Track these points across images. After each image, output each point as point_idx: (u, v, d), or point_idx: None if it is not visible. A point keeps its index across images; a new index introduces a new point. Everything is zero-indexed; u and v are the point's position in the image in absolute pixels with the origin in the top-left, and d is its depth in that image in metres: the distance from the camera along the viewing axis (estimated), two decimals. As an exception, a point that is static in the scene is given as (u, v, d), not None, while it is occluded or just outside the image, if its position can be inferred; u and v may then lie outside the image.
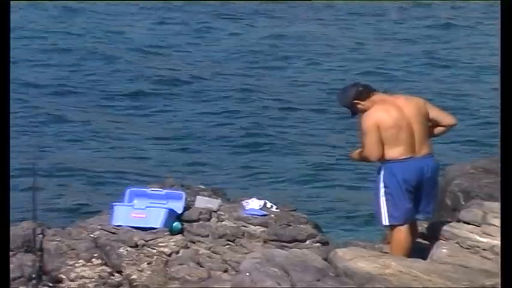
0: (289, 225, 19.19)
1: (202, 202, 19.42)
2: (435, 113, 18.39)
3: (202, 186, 20.95)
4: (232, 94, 48.40)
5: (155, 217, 18.88)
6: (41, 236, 18.64)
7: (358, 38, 63.98)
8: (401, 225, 17.81)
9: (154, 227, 18.75)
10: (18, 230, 19.15)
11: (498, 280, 16.74)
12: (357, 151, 18.31)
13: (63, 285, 18.17)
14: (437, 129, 18.55)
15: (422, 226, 18.79)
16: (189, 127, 39.52)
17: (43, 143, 39.32)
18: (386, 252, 17.99)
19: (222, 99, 47.05)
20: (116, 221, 19.00)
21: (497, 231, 17.92)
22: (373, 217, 19.32)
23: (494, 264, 17.41)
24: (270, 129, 39.01)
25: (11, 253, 18.63)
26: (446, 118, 18.53)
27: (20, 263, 18.41)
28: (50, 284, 18.07)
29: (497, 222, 18.18)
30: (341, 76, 50.45)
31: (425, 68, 54.98)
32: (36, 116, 44.05)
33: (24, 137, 39.99)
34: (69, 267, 18.35)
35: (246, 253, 18.19)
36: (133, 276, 17.95)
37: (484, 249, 17.68)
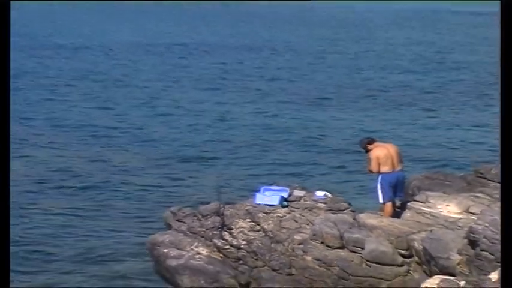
0: (336, 203, 20.01)
1: (296, 192, 20.33)
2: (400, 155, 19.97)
3: (296, 185, 21.32)
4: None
5: (275, 199, 19.86)
6: (223, 208, 19.75)
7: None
8: (388, 202, 19.65)
9: (275, 204, 19.78)
10: (212, 205, 20.08)
11: (433, 228, 18.51)
12: (368, 167, 19.78)
13: (233, 231, 19.23)
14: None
15: (398, 203, 20.06)
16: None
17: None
18: (382, 215, 19.55)
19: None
20: (257, 201, 19.98)
21: (432, 205, 19.56)
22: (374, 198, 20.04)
23: (429, 220, 19.00)
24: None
25: (208, 217, 19.91)
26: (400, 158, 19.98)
27: (213, 221, 19.54)
28: (227, 230, 19.25)
29: (432, 201, 19.71)
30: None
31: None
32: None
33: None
34: (235, 222, 19.45)
35: (317, 216, 19.34)
36: (265, 226, 19.13)
37: (426, 213, 19.24)
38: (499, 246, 15.95)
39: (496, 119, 39.74)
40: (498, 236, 16.27)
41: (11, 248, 21.07)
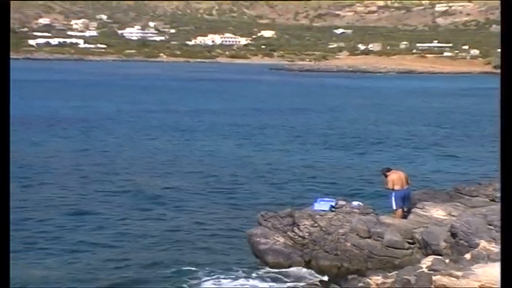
0: (365, 209, 19.70)
1: (340, 202, 20.00)
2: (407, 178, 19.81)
3: (340, 198, 20.98)
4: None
5: (326, 206, 19.54)
6: (294, 212, 19.51)
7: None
8: (399, 209, 19.46)
9: (326, 210, 19.46)
10: (287, 210, 19.76)
11: (427, 225, 18.28)
12: (386, 186, 19.59)
13: (300, 226, 18.97)
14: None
15: (405, 209, 19.56)
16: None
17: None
18: (395, 217, 19.30)
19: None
20: (315, 208, 19.52)
21: (427, 211, 19.28)
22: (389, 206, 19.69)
23: (425, 220, 18.74)
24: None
25: (284, 217, 19.42)
26: (407, 180, 19.75)
27: (288, 220, 19.40)
28: (296, 226, 18.97)
29: (427, 207, 19.41)
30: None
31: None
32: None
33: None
34: (301, 221, 19.18)
35: (353, 217, 19.04)
36: (320, 224, 18.87)
37: (423, 216, 19.09)
38: (471, 237, 16.00)
39: (468, 154, 39.52)
40: (471, 230, 16.26)
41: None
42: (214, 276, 17.46)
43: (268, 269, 18.29)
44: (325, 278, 17.51)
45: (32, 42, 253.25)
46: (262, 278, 17.64)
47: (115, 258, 19.01)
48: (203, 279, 17.27)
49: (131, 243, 20.55)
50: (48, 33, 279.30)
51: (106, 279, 17.36)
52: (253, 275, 17.75)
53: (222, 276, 17.49)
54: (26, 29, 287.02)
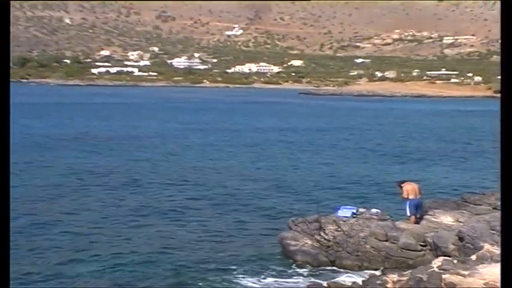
0: (383, 215, 19.40)
1: (361, 210, 19.82)
2: (419, 189, 19.72)
3: (360, 206, 20.83)
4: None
5: (348, 213, 19.33)
6: (320, 218, 19.33)
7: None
8: (412, 215, 19.27)
9: (348, 216, 19.23)
10: (314, 217, 19.71)
11: (438, 230, 18.39)
12: (401, 196, 19.48)
13: (326, 231, 18.78)
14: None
15: (418, 216, 19.33)
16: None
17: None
18: (409, 223, 19.10)
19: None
20: (338, 214, 19.35)
21: (437, 217, 19.08)
22: (404, 213, 19.54)
23: (435, 226, 18.52)
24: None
25: (312, 223, 19.16)
26: (420, 191, 19.69)
27: (315, 225, 19.26)
28: (322, 230, 18.86)
29: (437, 215, 19.24)
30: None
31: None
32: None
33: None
34: (327, 226, 18.84)
35: (372, 223, 18.81)
36: (343, 228, 18.67)
37: (433, 222, 18.90)
38: (476, 240, 15.85)
39: (474, 167, 38.92)
40: (476, 234, 16.10)
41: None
42: (250, 274, 17.30)
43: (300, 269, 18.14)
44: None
45: (94, 71, 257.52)
46: (293, 276, 17.49)
47: (166, 251, 19.17)
48: (240, 276, 17.08)
49: (181, 237, 20.74)
50: (108, 63, 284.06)
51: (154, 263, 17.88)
52: (285, 273, 17.60)
53: (257, 275, 17.28)
54: (89, 60, 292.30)
